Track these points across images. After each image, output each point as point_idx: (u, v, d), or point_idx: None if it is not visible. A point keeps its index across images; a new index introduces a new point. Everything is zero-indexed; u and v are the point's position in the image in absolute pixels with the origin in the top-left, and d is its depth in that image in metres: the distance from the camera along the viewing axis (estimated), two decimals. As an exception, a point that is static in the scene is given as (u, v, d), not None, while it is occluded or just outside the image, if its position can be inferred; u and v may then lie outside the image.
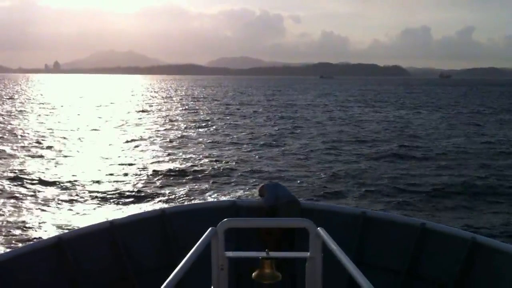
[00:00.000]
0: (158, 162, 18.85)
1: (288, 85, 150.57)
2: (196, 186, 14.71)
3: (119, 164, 18.25)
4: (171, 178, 15.80)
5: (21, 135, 26.12)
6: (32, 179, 15.36)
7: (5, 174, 16.09)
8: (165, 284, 2.14)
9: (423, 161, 19.25)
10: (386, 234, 5.16)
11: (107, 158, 19.40)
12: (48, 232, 10.37)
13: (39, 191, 13.91)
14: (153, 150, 21.77)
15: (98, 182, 15.10)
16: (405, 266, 4.90)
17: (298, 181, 15.40)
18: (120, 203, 12.75)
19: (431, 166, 18.14)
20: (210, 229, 3.05)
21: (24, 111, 43.32)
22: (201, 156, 20.21)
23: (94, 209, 12.19)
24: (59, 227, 10.75)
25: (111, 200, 13.00)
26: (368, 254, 5.17)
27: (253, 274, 3.08)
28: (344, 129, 30.35)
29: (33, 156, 19.54)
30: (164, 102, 59.86)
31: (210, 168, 17.58)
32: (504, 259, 4.23)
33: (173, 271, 2.29)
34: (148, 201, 13.01)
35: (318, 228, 3.10)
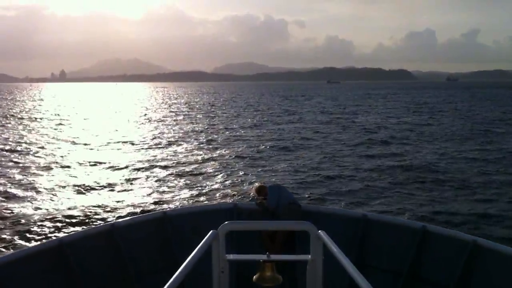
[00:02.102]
0: (159, 164, 18.91)
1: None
2: (198, 189, 14.72)
3: (121, 166, 18.31)
4: (173, 180, 15.84)
5: (27, 142, 26.33)
6: (35, 181, 15.50)
7: (12, 176, 16.30)
8: (165, 286, 2.15)
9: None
10: (387, 236, 5.15)
11: (108, 161, 19.51)
12: (49, 235, 10.40)
13: (40, 193, 13.95)
14: (154, 153, 21.82)
15: (99, 184, 15.15)
16: (406, 269, 4.88)
17: (299, 184, 15.37)
18: (121, 205, 12.77)
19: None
20: (211, 231, 3.05)
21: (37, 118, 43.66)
22: (202, 159, 20.26)
23: (95, 211, 12.22)
24: (60, 230, 10.77)
25: (112, 202, 13.02)
26: (369, 257, 5.16)
27: (254, 277, 3.07)
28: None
29: (37, 159, 19.68)
30: (169, 108, 59.97)
31: (212, 170, 17.60)
32: (505, 262, 4.19)
33: (174, 273, 2.29)
34: (149, 203, 13.02)
35: (319, 231, 3.09)
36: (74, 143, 25.89)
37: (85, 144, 25.19)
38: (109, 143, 25.59)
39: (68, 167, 18.47)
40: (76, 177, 16.47)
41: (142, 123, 38.21)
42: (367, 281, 2.24)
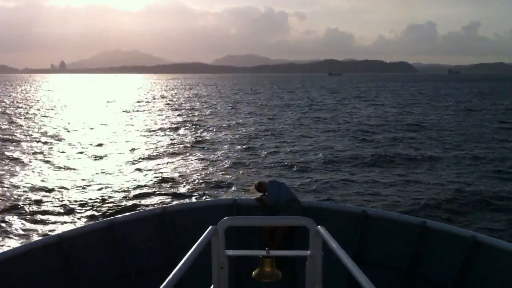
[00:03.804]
0: (158, 159, 18.89)
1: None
2: (197, 184, 14.69)
3: (120, 162, 18.23)
4: (172, 176, 15.80)
5: (26, 135, 26.32)
6: (34, 178, 15.47)
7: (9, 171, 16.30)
8: (165, 282, 2.14)
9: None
10: (386, 232, 5.16)
11: (109, 158, 19.43)
12: (48, 230, 10.40)
13: (39, 190, 13.88)
14: (153, 148, 21.75)
15: (98, 180, 15.08)
16: (405, 264, 4.89)
17: (299, 180, 15.35)
18: (121, 201, 12.76)
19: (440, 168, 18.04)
20: (210, 227, 3.04)
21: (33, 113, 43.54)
22: (202, 154, 20.23)
23: (94, 207, 12.20)
24: (59, 224, 10.79)
25: (112, 199, 13.00)
26: (368, 253, 5.17)
27: (254, 272, 3.08)
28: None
29: (36, 154, 19.68)
30: (167, 101, 59.73)
31: (211, 166, 17.57)
32: (504, 257, 4.21)
33: (173, 269, 2.28)
34: (149, 199, 13.00)
35: (319, 227, 3.08)
36: (71, 136, 25.89)
37: (83, 139, 25.13)
38: (107, 137, 25.48)
39: (66, 161, 18.47)
40: (74, 170, 16.47)
41: (140, 117, 37.87)
42: (366, 277, 2.23)
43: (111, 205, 12.40)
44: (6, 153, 20.09)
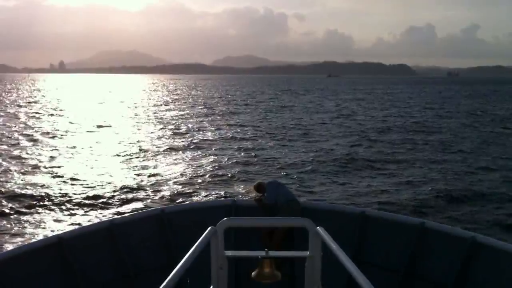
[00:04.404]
0: (157, 162, 18.84)
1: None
2: (196, 185, 14.65)
3: (118, 164, 18.19)
4: (171, 177, 15.77)
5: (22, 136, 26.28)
6: (33, 178, 15.42)
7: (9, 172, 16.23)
8: (164, 283, 2.14)
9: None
10: (385, 233, 5.16)
11: (106, 159, 19.34)
12: (48, 231, 10.36)
13: (38, 190, 13.79)
14: (151, 151, 21.65)
15: (98, 181, 15.02)
16: (404, 265, 4.89)
17: (297, 181, 15.34)
18: (120, 202, 12.71)
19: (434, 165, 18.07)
20: (209, 228, 3.04)
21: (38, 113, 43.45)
22: (201, 155, 20.20)
23: (94, 208, 12.15)
24: (59, 226, 10.74)
25: (111, 200, 12.94)
26: (367, 253, 5.17)
27: (253, 273, 3.08)
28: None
29: (35, 156, 19.65)
30: (166, 103, 59.62)
31: (210, 166, 17.54)
32: (503, 258, 4.22)
33: (172, 270, 2.29)
34: (148, 200, 12.96)
35: (318, 227, 3.09)
36: (67, 136, 25.82)
37: (79, 139, 25.05)
38: (103, 138, 25.36)
39: (64, 162, 18.39)
40: (72, 172, 16.40)
41: (137, 118, 37.62)
42: (365, 277, 2.24)
43: (109, 206, 12.36)
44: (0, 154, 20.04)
